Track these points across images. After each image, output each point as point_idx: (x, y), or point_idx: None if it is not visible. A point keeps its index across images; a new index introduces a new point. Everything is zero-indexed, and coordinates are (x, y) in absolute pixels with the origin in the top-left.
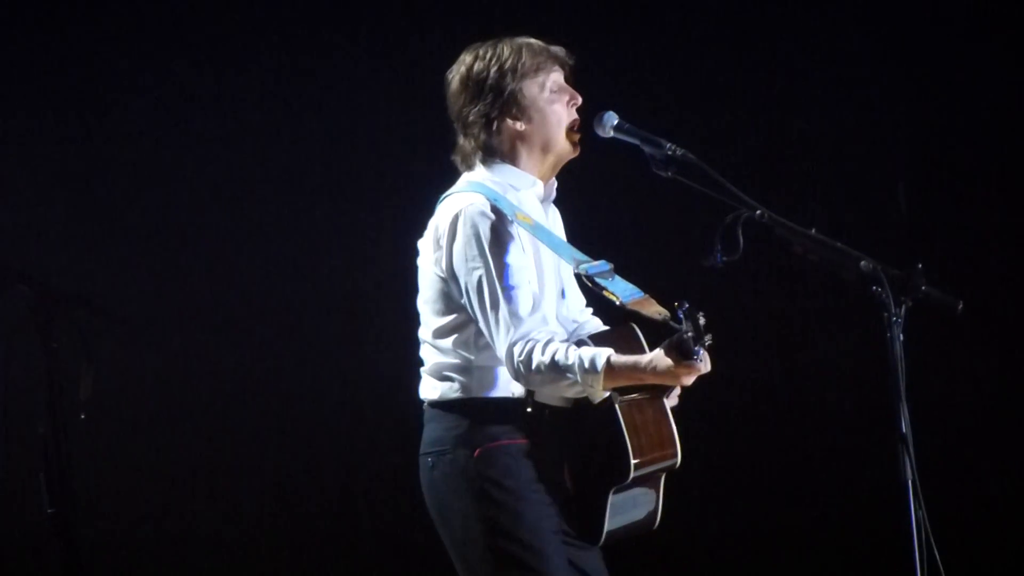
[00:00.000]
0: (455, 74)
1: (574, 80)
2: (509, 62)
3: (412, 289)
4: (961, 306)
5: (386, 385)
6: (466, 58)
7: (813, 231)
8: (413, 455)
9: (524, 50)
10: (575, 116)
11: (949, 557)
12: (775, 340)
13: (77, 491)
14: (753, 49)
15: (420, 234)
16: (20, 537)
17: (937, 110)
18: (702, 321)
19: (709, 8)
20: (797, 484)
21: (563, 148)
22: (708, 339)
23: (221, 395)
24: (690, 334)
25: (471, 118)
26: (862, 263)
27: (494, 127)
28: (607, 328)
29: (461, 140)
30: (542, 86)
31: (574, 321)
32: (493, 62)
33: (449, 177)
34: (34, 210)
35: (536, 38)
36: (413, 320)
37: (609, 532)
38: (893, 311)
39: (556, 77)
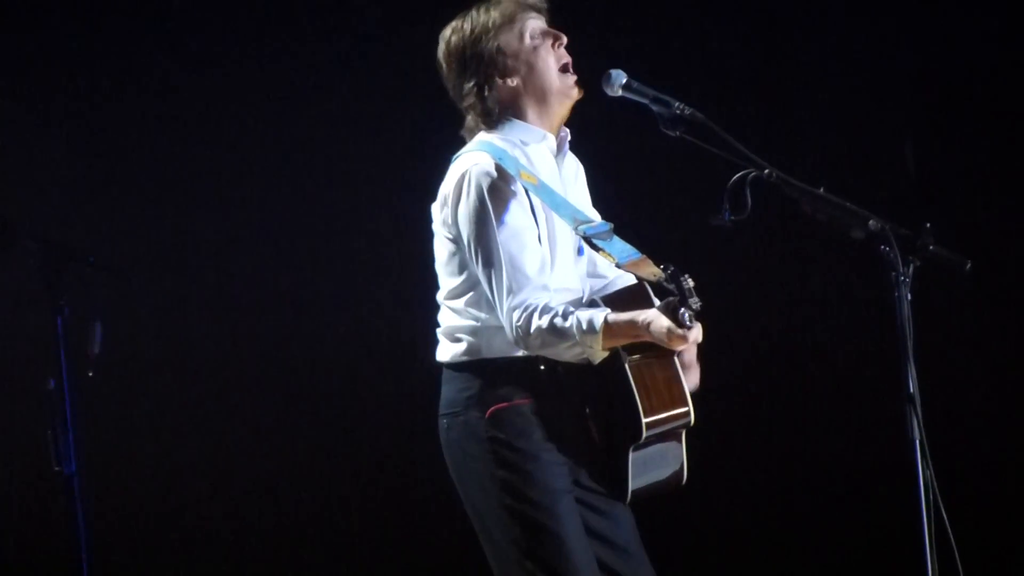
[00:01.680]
0: (440, 55)
1: (554, 23)
2: (480, 23)
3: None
4: (969, 265)
5: (402, 350)
6: (445, 35)
7: (821, 190)
8: (427, 423)
9: (492, 8)
10: (565, 56)
11: (956, 516)
12: (782, 299)
13: (85, 448)
14: (753, 4)
15: (434, 199)
16: (28, 493)
17: (945, 66)
18: (689, 284)
19: None
20: (804, 444)
21: (560, 89)
22: (696, 303)
23: (230, 352)
24: (676, 297)
25: (465, 92)
26: (870, 222)
27: (486, 92)
28: (623, 287)
29: (466, 117)
30: (520, 36)
31: (602, 276)
32: (467, 30)
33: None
34: (43, 167)
35: None
36: (423, 285)
37: (635, 491)
38: (901, 270)
39: (535, 24)
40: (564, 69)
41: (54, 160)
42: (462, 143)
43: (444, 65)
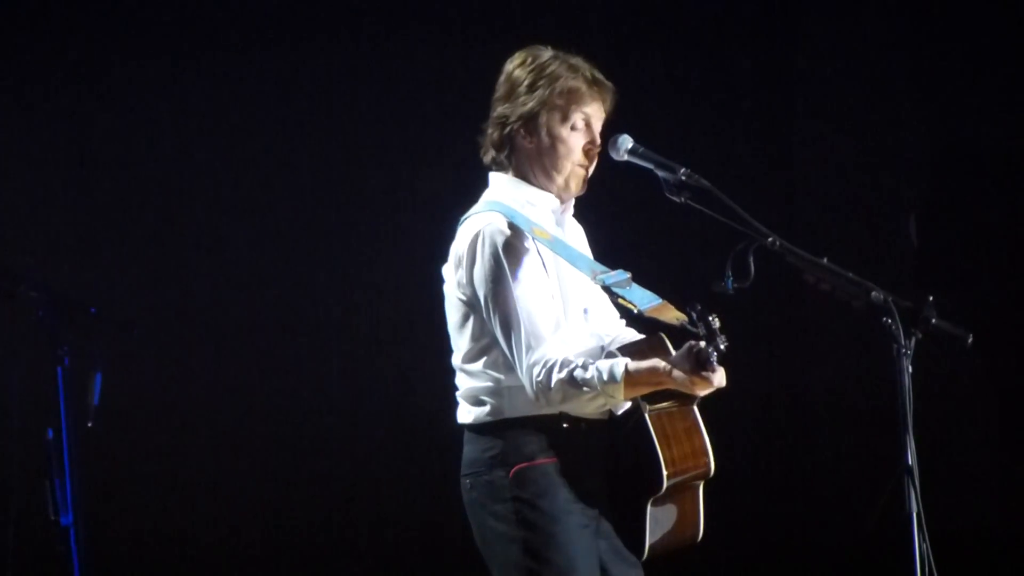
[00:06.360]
0: (505, 67)
1: (612, 115)
2: (546, 78)
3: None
4: (971, 340)
5: (415, 413)
6: (515, 58)
7: (824, 260)
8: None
9: (569, 75)
10: (591, 159)
11: None
12: (782, 369)
13: (84, 498)
14: (765, 73)
15: (444, 258)
16: (27, 544)
17: (949, 140)
18: (716, 323)
19: (722, 29)
20: (801, 513)
21: (566, 179)
22: (722, 341)
23: (229, 402)
24: (703, 336)
25: (496, 115)
26: (872, 294)
27: (506, 132)
28: (638, 339)
29: (488, 129)
30: (564, 119)
31: (606, 335)
32: (533, 71)
33: (472, 194)
34: (43, 217)
35: (587, 61)
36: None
37: (652, 546)
38: (902, 343)
39: (588, 113)
40: (580, 166)
41: (57, 210)
42: (472, 201)
43: (501, 78)
